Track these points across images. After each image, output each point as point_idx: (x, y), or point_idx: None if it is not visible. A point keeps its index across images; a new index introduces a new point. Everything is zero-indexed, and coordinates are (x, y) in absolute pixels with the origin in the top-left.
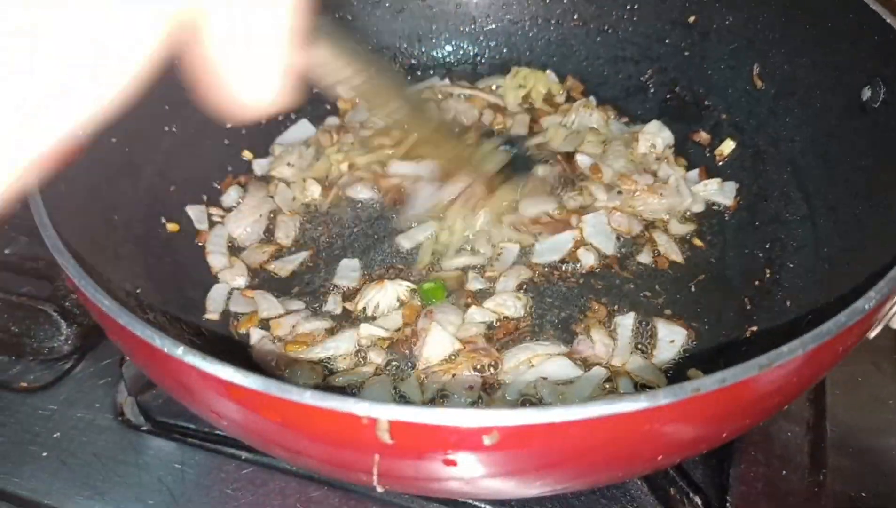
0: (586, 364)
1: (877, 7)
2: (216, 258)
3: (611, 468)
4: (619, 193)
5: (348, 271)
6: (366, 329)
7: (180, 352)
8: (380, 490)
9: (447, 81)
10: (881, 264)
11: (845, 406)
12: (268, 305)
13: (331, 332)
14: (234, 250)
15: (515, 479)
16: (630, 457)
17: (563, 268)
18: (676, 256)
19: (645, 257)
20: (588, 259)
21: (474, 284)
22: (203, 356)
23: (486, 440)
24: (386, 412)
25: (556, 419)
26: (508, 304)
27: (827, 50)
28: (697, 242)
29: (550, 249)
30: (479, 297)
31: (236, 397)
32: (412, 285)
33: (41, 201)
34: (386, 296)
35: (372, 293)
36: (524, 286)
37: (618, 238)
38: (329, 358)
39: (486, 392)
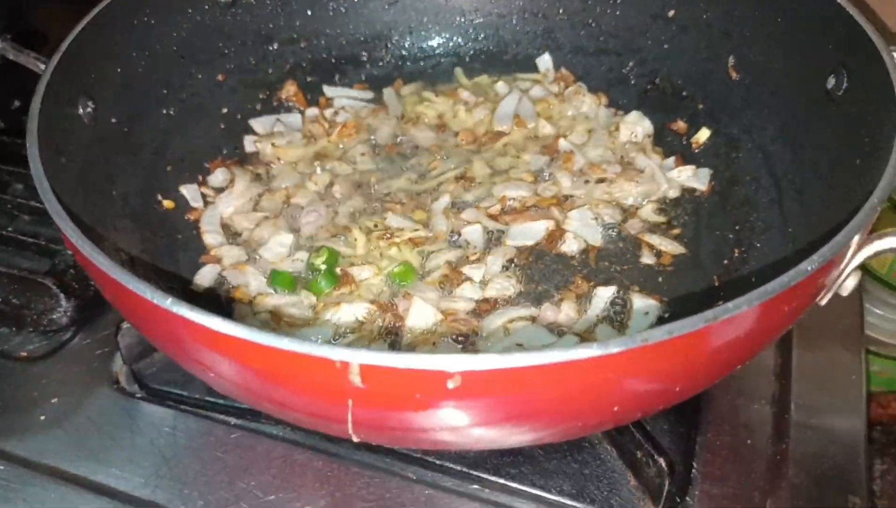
0: (560, 333)
1: (843, 2)
2: (211, 237)
3: (570, 417)
4: (587, 182)
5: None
6: (347, 313)
7: (168, 303)
8: (355, 439)
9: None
10: None
11: (810, 381)
12: (256, 284)
13: (310, 322)
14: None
15: (481, 428)
16: (587, 406)
17: (548, 246)
18: (676, 249)
19: (645, 258)
20: (572, 246)
21: (472, 272)
22: (190, 307)
23: (450, 384)
24: (357, 357)
25: (514, 365)
26: (505, 285)
27: (796, 42)
28: (672, 229)
29: (523, 233)
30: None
31: (221, 345)
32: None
33: (42, 169)
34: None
35: (330, 314)
36: (511, 264)
37: (603, 228)
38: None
39: None
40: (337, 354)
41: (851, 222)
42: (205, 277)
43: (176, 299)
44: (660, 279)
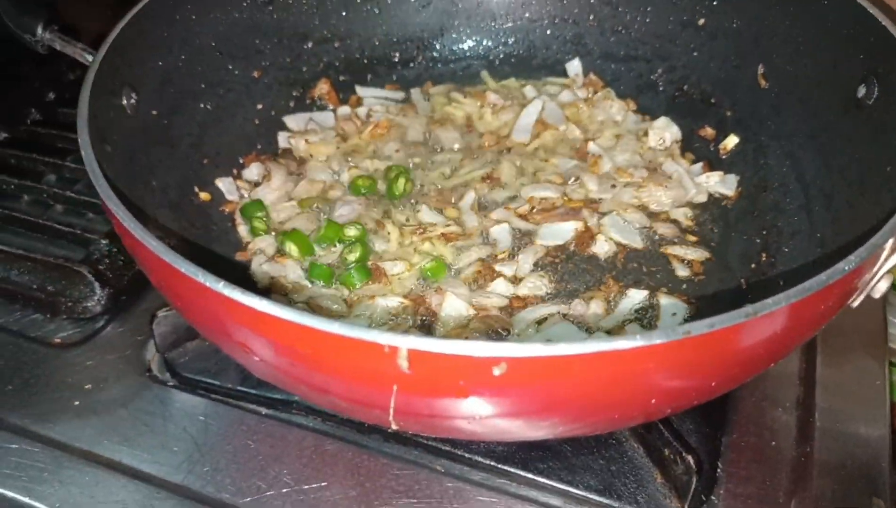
0: (589, 330)
1: (873, 10)
2: (245, 229)
3: (609, 407)
4: (613, 186)
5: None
6: (380, 306)
7: (220, 286)
8: (394, 426)
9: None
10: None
11: (834, 386)
12: (294, 275)
13: (344, 315)
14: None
15: (521, 418)
16: (626, 397)
17: (578, 247)
18: (702, 255)
19: (680, 271)
20: (602, 248)
21: (503, 269)
22: (241, 290)
23: (496, 371)
24: (406, 342)
25: (560, 353)
26: (538, 284)
27: (826, 51)
28: (692, 236)
29: (552, 233)
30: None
31: (270, 328)
32: (400, 299)
33: (94, 155)
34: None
35: (363, 308)
36: (540, 263)
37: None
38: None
39: None
40: (386, 339)
41: (887, 225)
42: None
43: (228, 283)
44: (685, 284)
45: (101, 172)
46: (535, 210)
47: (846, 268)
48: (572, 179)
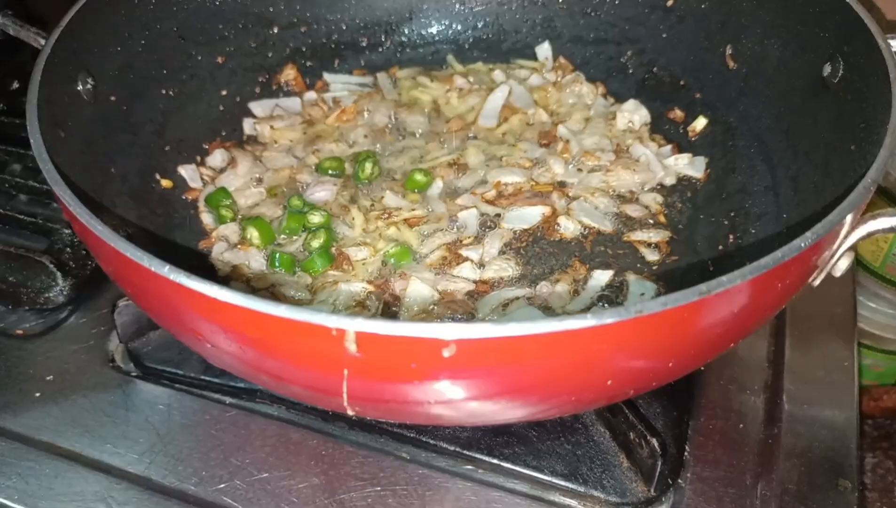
0: (554, 314)
1: None
2: (208, 216)
3: (564, 390)
4: (579, 169)
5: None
6: (344, 293)
7: (166, 271)
8: (351, 412)
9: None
10: None
11: (802, 369)
12: (256, 264)
13: (307, 303)
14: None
15: (475, 401)
16: (581, 379)
17: (545, 231)
18: (664, 234)
19: (650, 255)
20: (568, 228)
21: (470, 253)
22: (187, 275)
23: (445, 353)
24: (353, 324)
25: (510, 334)
26: (504, 266)
27: (793, 31)
28: (661, 218)
29: (519, 217)
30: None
31: (218, 313)
32: (364, 285)
33: (41, 139)
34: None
35: (326, 295)
36: (507, 247)
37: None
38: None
39: None
40: (333, 321)
41: (845, 201)
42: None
43: (174, 267)
44: (654, 267)
45: (49, 158)
46: (502, 195)
47: (802, 245)
48: (539, 163)
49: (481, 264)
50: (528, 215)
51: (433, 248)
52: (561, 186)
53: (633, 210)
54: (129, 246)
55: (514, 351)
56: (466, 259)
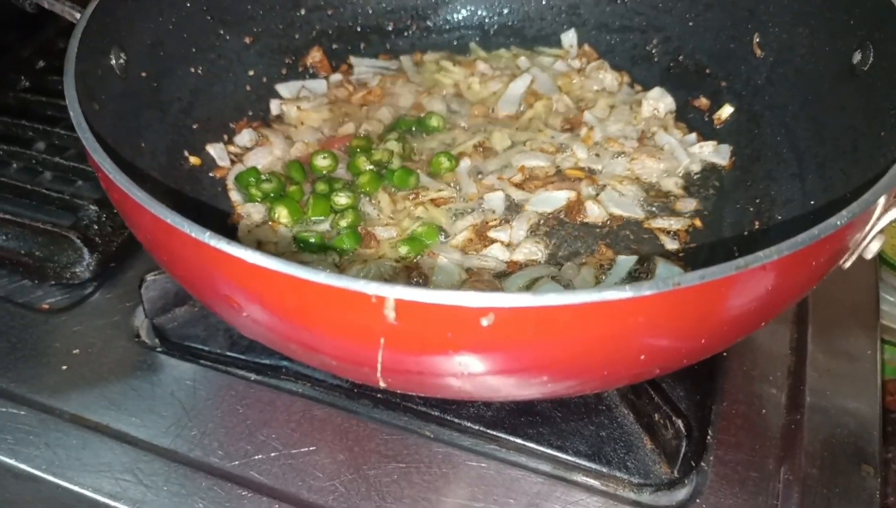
0: None
1: None
2: (237, 194)
3: (598, 363)
4: (598, 155)
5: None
6: (372, 272)
7: (206, 237)
8: (383, 384)
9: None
10: None
11: (825, 355)
12: (283, 242)
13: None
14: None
15: (509, 373)
16: (616, 352)
17: (570, 214)
18: (685, 223)
19: (669, 244)
20: (594, 212)
21: (499, 235)
22: (228, 241)
23: (483, 321)
24: (393, 292)
25: (548, 303)
26: (533, 250)
27: (822, 19)
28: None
29: (544, 201)
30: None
31: (257, 280)
32: (392, 264)
33: (80, 108)
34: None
35: (354, 272)
36: (534, 230)
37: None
38: None
39: None
40: (373, 288)
41: (880, 182)
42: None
43: (214, 233)
44: (680, 253)
45: (88, 126)
46: (529, 178)
47: (838, 223)
48: (563, 148)
49: (511, 246)
50: (553, 199)
51: (462, 228)
52: (590, 172)
53: (658, 198)
54: (170, 213)
55: (551, 321)
56: (494, 241)
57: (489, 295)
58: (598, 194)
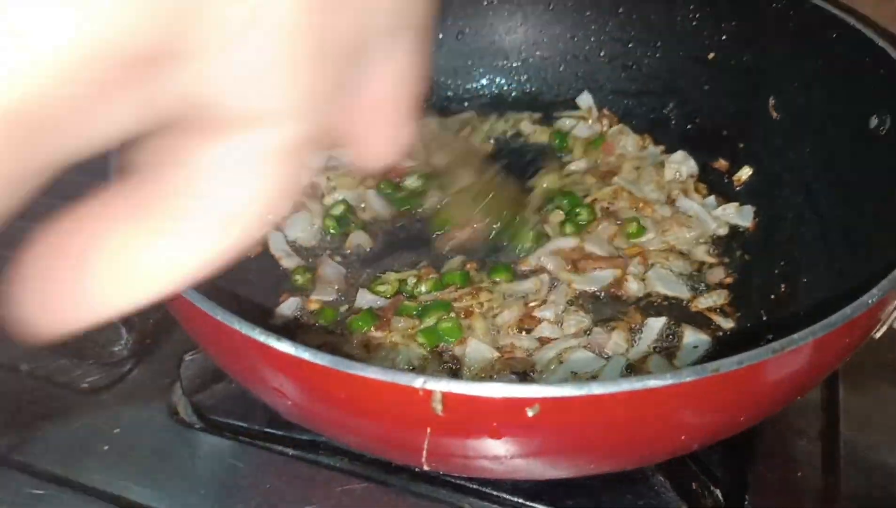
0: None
1: (883, 44)
2: (287, 261)
3: (639, 444)
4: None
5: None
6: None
7: (257, 333)
8: (426, 467)
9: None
10: None
11: (857, 416)
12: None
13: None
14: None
15: (552, 457)
16: (657, 433)
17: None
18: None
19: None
20: (633, 288)
21: (545, 313)
22: (278, 337)
23: (529, 412)
24: (440, 385)
25: (592, 392)
26: (579, 319)
27: (837, 83)
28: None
29: (589, 281)
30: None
31: (308, 374)
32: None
33: None
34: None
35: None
36: (574, 302)
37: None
38: None
39: None
40: (420, 382)
41: None
42: (288, 308)
43: (264, 330)
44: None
45: None
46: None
47: (870, 301)
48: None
49: (558, 322)
50: (600, 278)
51: (509, 319)
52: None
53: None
54: (218, 309)
55: (594, 408)
56: (543, 320)
57: (534, 387)
58: (646, 272)
